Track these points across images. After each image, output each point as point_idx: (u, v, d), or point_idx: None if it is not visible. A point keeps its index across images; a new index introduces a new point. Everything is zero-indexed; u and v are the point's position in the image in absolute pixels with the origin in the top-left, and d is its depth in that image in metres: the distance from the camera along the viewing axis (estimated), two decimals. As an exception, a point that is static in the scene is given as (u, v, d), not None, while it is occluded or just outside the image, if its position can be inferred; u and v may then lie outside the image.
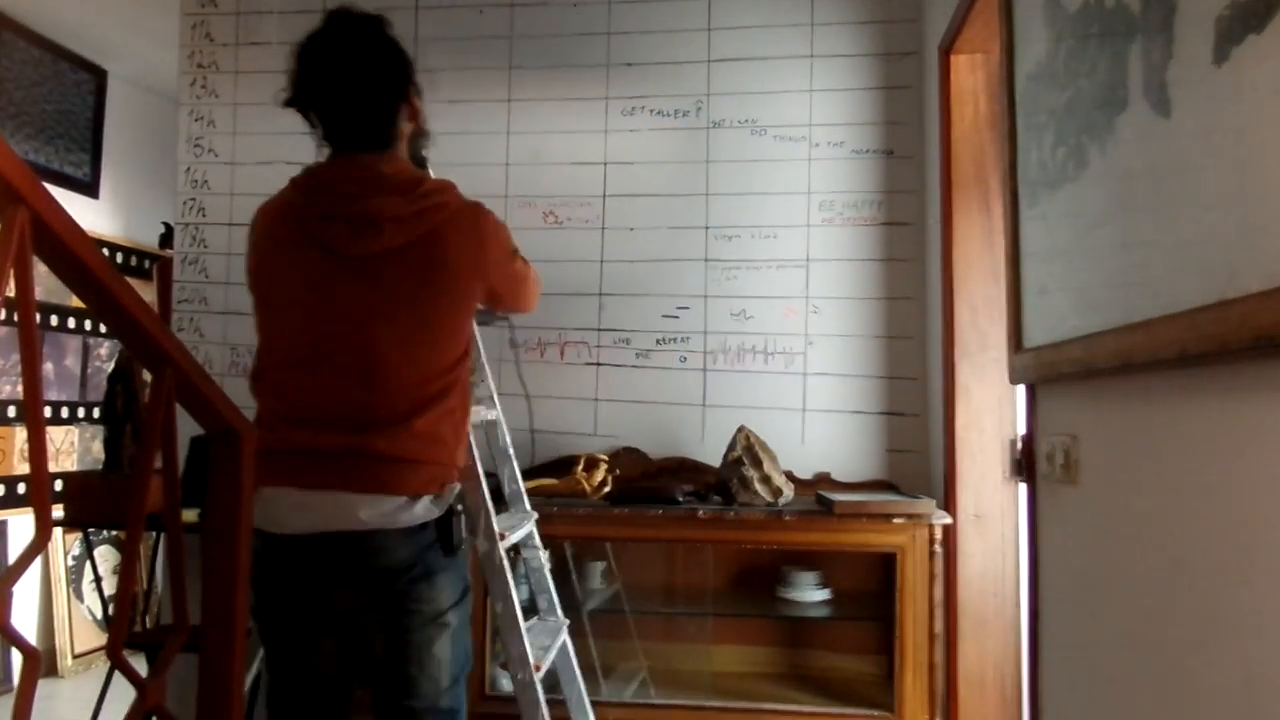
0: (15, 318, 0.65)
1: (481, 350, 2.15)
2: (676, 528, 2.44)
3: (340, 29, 1.56)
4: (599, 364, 2.89)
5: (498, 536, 1.83)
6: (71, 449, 4.18)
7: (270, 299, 1.58)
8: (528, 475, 2.49)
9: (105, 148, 4.40)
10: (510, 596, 1.80)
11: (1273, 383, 0.87)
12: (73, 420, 4.19)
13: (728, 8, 2.91)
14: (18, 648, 0.62)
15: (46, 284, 3.57)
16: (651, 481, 2.66)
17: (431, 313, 1.54)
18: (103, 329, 4.32)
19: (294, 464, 1.47)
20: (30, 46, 3.96)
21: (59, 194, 3.92)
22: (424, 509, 1.51)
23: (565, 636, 2.12)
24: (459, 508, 1.59)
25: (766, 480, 2.48)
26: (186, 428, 0.94)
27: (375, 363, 1.49)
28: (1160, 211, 1.07)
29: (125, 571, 0.89)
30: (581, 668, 2.17)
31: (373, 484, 1.47)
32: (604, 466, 2.62)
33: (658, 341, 2.87)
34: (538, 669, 1.83)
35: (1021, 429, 1.80)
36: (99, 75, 4.36)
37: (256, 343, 1.61)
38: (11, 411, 3.85)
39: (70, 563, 4.08)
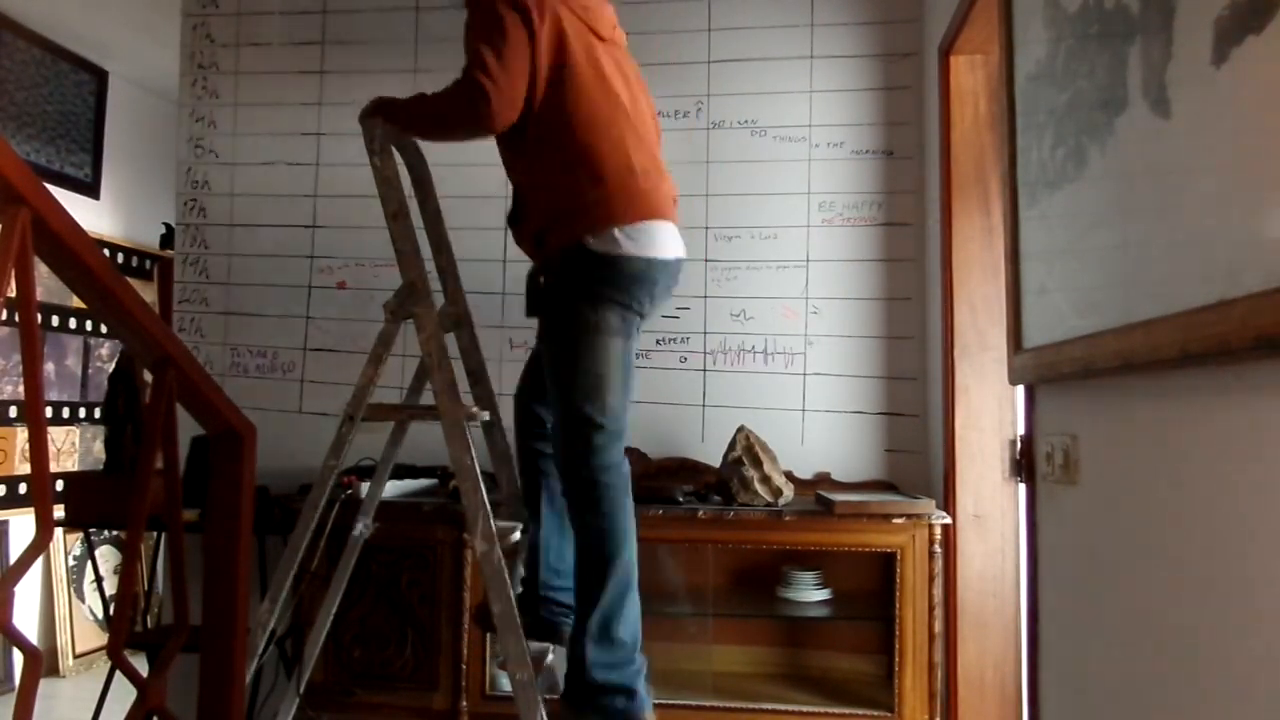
0: (16, 318, 0.65)
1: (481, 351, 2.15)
2: (676, 528, 2.44)
3: None
4: (599, 364, 2.88)
5: (496, 538, 1.83)
6: (73, 449, 4.18)
7: None
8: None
9: (106, 148, 4.40)
10: (509, 598, 1.80)
11: (1273, 383, 0.88)
12: (74, 420, 4.19)
13: (728, 8, 2.91)
14: (19, 647, 0.63)
15: (47, 284, 3.57)
16: (651, 481, 2.66)
17: None
18: (104, 329, 4.33)
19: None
20: (31, 47, 3.96)
21: (60, 194, 3.92)
22: None
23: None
24: None
25: (766, 480, 2.48)
26: (187, 428, 0.94)
27: None
28: (1160, 211, 1.07)
29: (126, 571, 0.89)
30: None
31: None
32: (604, 467, 2.62)
33: (658, 342, 2.87)
34: (536, 669, 1.83)
35: (1021, 429, 1.81)
36: (100, 76, 4.36)
37: None
38: (13, 412, 3.85)
39: (71, 563, 4.08)
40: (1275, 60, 0.82)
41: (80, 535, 3.99)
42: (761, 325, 2.83)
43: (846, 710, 2.37)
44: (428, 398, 2.06)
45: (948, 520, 2.31)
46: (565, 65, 1.84)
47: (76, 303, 3.98)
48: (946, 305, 2.39)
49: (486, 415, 2.13)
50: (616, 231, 1.81)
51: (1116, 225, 1.19)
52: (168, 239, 4.48)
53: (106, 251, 4.21)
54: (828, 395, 2.78)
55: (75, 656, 3.98)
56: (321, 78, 3.09)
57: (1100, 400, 1.33)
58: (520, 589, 2.02)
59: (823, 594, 2.58)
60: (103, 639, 4.07)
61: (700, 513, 2.41)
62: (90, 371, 4.26)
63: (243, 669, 1.02)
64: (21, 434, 3.86)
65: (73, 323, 4.15)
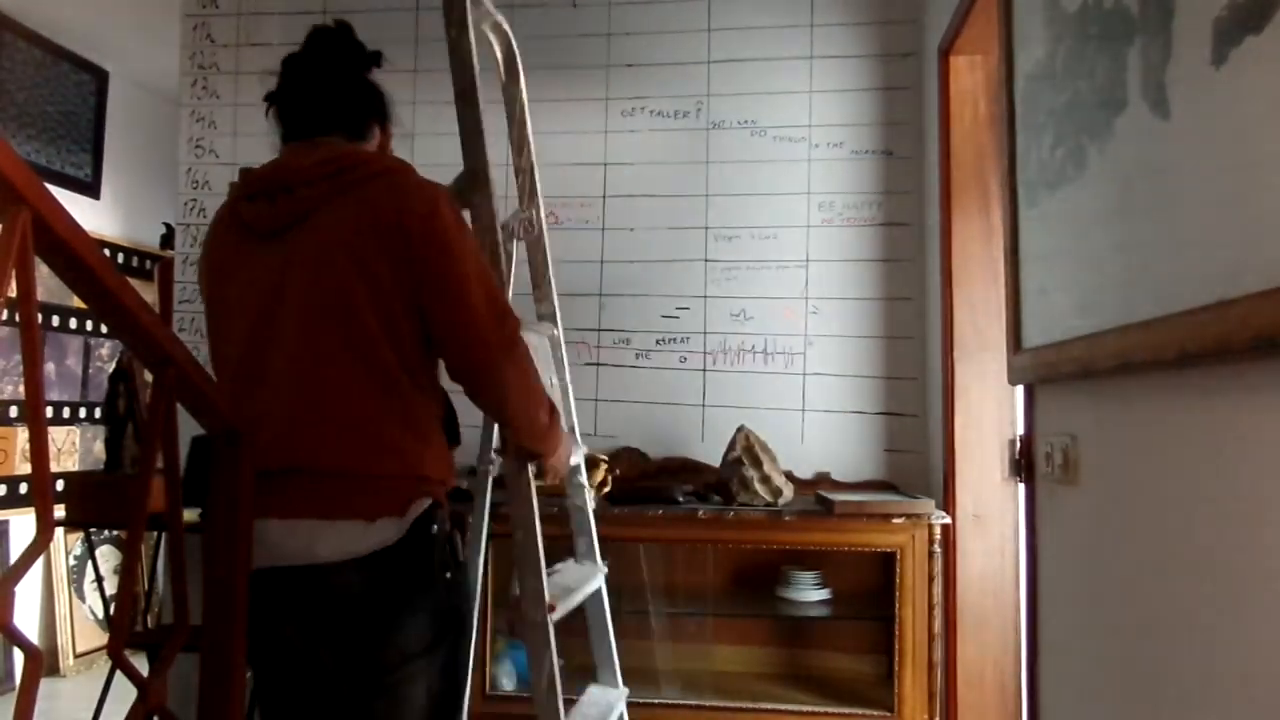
0: (17, 318, 0.65)
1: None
2: (676, 528, 2.44)
3: (325, 41, 1.45)
4: (599, 364, 2.89)
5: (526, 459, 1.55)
6: (73, 449, 4.18)
7: (214, 303, 1.41)
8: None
9: (106, 148, 4.40)
10: (533, 524, 1.54)
11: (1272, 383, 0.88)
12: (74, 420, 4.19)
13: (728, 9, 2.92)
14: (20, 647, 0.63)
15: (48, 284, 3.56)
16: (651, 481, 2.66)
17: (360, 293, 1.27)
18: (104, 329, 4.33)
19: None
20: (31, 47, 3.96)
21: (60, 195, 3.91)
22: (379, 534, 1.25)
23: (601, 583, 1.94)
24: (445, 527, 1.34)
25: (766, 480, 2.48)
26: (187, 428, 0.94)
27: (296, 360, 1.28)
28: (1159, 212, 1.07)
29: (126, 571, 0.89)
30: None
31: (321, 507, 1.25)
32: (604, 466, 2.62)
33: (658, 341, 2.87)
34: (552, 609, 1.56)
35: (1020, 429, 1.81)
36: (100, 76, 4.36)
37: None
38: (13, 412, 3.86)
39: (72, 562, 4.08)
40: (1274, 61, 0.82)
41: (80, 535, 3.99)
42: (761, 325, 2.83)
43: (846, 710, 2.37)
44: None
45: (947, 520, 2.31)
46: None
47: (77, 303, 3.98)
48: (946, 305, 2.39)
49: (555, 330, 2.00)
50: None
51: (1116, 225, 1.19)
52: (168, 239, 4.48)
53: (107, 251, 4.21)
54: (827, 395, 2.79)
55: (76, 656, 3.98)
56: (322, 78, 3.09)
57: (1100, 400, 1.34)
58: None
59: (823, 594, 2.58)
60: (103, 639, 4.07)
61: (700, 513, 2.41)
62: (90, 371, 4.26)
63: (243, 669, 1.02)
64: (22, 434, 3.86)
65: (73, 323, 4.15)
